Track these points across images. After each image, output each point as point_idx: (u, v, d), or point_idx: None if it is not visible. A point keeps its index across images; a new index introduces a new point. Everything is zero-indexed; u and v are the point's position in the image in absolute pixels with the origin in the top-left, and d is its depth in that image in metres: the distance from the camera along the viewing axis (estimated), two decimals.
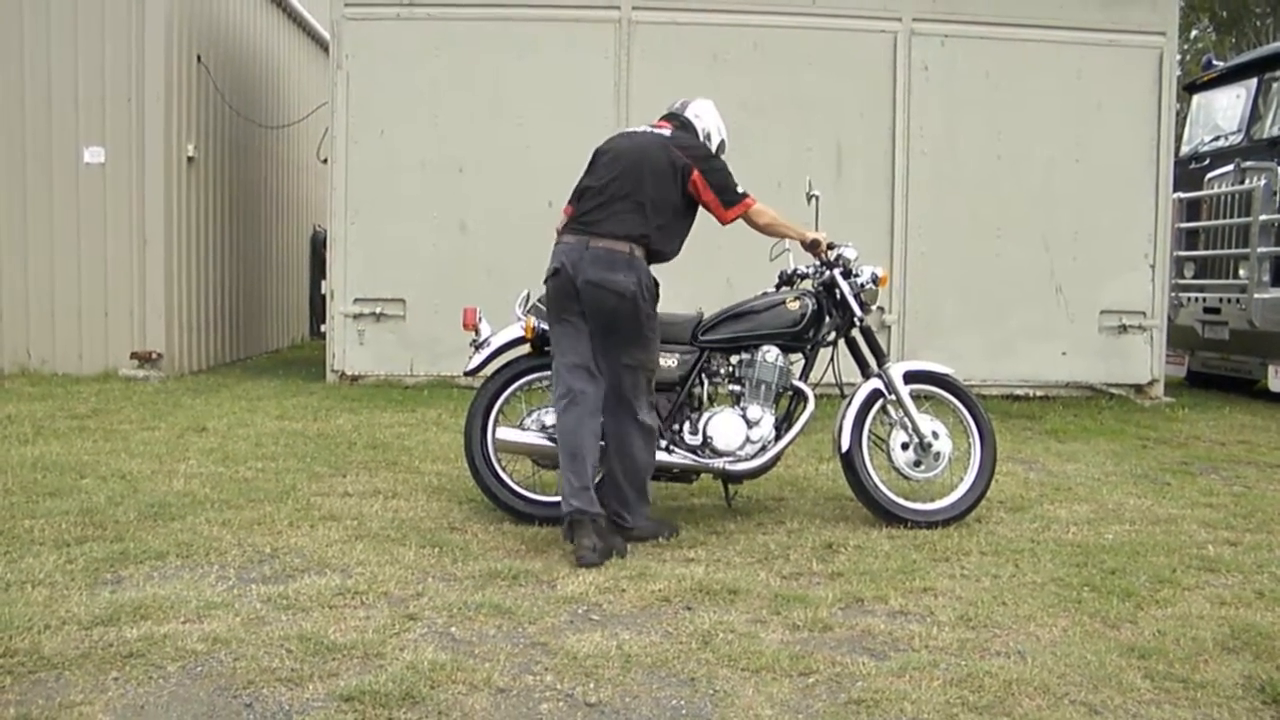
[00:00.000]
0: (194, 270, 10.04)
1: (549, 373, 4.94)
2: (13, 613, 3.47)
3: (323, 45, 12.67)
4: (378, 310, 9.23)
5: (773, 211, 4.82)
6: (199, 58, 10.11)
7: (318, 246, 13.27)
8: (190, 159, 9.87)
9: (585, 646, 3.41)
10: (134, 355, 9.36)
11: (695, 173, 4.64)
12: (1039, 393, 9.55)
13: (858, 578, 4.20)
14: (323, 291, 9.65)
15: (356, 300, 9.25)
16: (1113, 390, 9.62)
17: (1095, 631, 3.68)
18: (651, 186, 4.60)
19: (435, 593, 3.89)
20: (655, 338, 4.66)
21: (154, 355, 9.38)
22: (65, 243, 9.34)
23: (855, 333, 5.17)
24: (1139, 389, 9.68)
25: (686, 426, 4.94)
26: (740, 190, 4.73)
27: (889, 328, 9.36)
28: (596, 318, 4.54)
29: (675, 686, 3.16)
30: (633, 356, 4.57)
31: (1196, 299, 10.68)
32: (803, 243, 5.00)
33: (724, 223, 4.79)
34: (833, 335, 5.14)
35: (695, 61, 9.10)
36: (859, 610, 3.87)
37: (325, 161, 9.51)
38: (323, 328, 9.77)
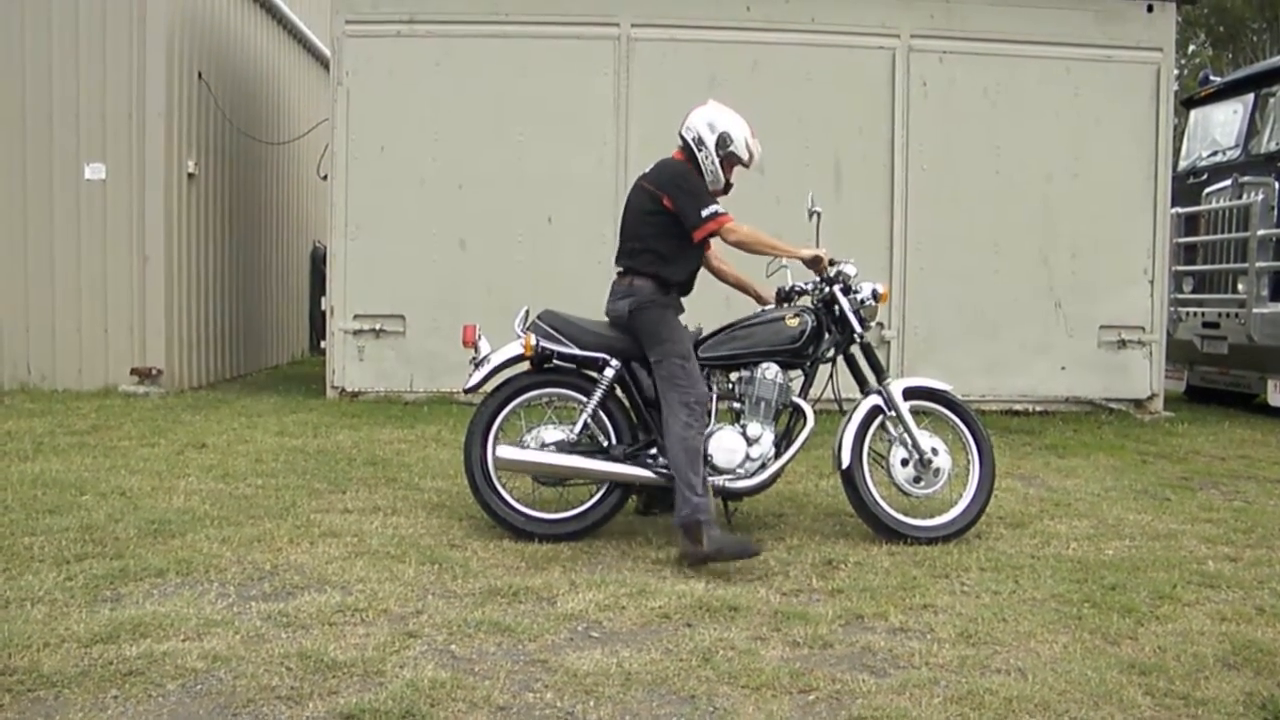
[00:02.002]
0: (194, 286, 10.06)
1: (549, 390, 4.99)
2: (12, 630, 3.47)
3: (323, 62, 12.73)
4: (377, 326, 9.24)
5: (748, 229, 4.85)
6: (200, 74, 10.15)
7: (318, 262, 13.31)
8: (191, 175, 9.90)
9: (585, 664, 3.41)
10: (134, 371, 9.37)
11: (665, 199, 4.81)
12: (1038, 408, 9.56)
13: (858, 594, 4.20)
14: (322, 308, 9.66)
15: (356, 316, 9.26)
16: (1112, 405, 9.62)
17: (1096, 648, 3.68)
18: (640, 225, 4.89)
19: (435, 610, 3.89)
20: (671, 331, 4.80)
21: (154, 371, 9.38)
22: (65, 259, 9.36)
23: (855, 349, 5.16)
24: (1138, 404, 9.69)
25: None
26: (707, 212, 4.75)
27: (888, 343, 9.36)
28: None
29: (675, 704, 3.16)
30: (656, 352, 4.78)
31: (1195, 314, 10.70)
32: (802, 260, 5.02)
33: (695, 243, 4.86)
34: (832, 352, 5.13)
35: (694, 79, 9.13)
36: (859, 627, 3.86)
37: (325, 178, 9.53)
38: (322, 344, 9.78)
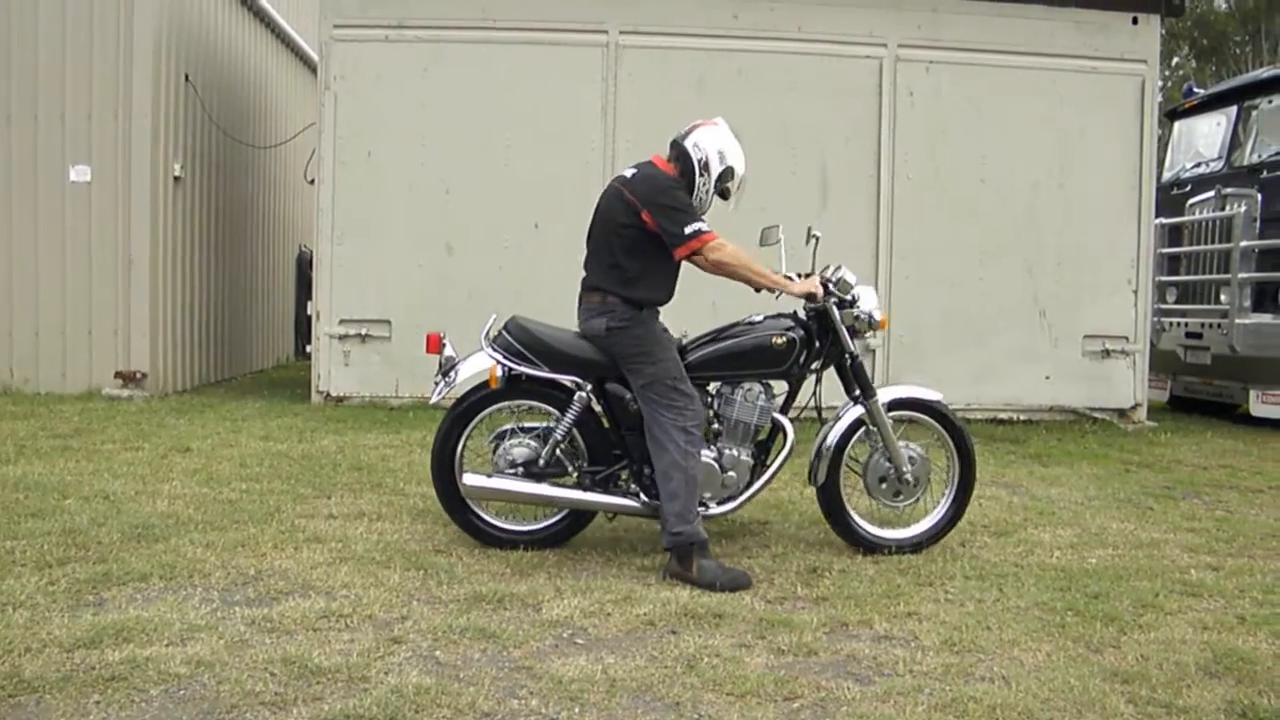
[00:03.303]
0: (179, 290, 10.02)
1: (517, 401, 4.86)
2: None
3: (311, 66, 12.70)
4: (363, 331, 9.23)
5: (733, 249, 4.58)
6: (187, 77, 10.12)
7: (304, 267, 13.28)
8: (177, 178, 9.87)
9: (570, 670, 3.40)
10: (118, 374, 9.33)
11: (644, 213, 4.53)
12: (1022, 416, 9.60)
13: (842, 602, 4.21)
14: (308, 312, 9.64)
15: (342, 321, 9.24)
16: (1096, 414, 9.67)
17: (1079, 656, 3.69)
18: (611, 236, 4.63)
19: (420, 616, 3.88)
20: (656, 349, 4.59)
21: (138, 375, 9.34)
22: (50, 261, 9.32)
23: (845, 363, 4.97)
24: (1122, 413, 9.74)
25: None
26: (690, 229, 4.48)
27: (873, 351, 9.39)
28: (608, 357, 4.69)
29: (660, 711, 3.16)
30: (644, 375, 4.58)
31: (1179, 324, 10.77)
32: (793, 296, 4.80)
33: (674, 262, 4.63)
34: (820, 363, 4.97)
35: (682, 86, 9.17)
36: (844, 634, 3.87)
37: (312, 182, 9.52)
38: (308, 348, 9.75)
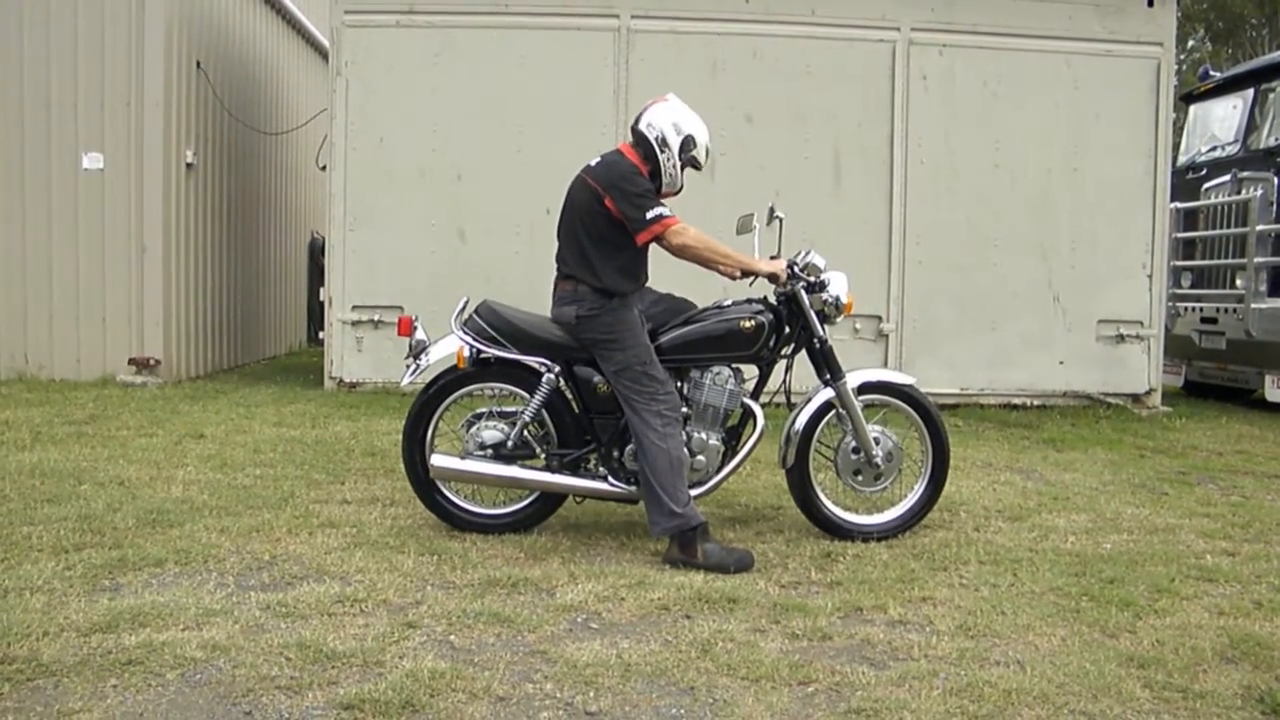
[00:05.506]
0: (192, 276, 10.04)
1: (488, 384, 4.88)
2: (11, 619, 3.47)
3: (322, 52, 12.70)
4: (376, 317, 9.23)
5: (696, 232, 4.58)
6: (198, 64, 10.12)
7: (316, 253, 13.29)
8: (189, 165, 9.88)
9: (585, 655, 3.41)
10: (132, 361, 9.36)
11: (607, 200, 4.54)
12: (1036, 402, 9.56)
13: (856, 587, 4.21)
14: (321, 298, 9.66)
15: (355, 307, 9.25)
16: (1110, 400, 9.63)
17: (1094, 641, 3.68)
18: (577, 223, 4.66)
19: (434, 601, 3.89)
20: (626, 336, 4.58)
21: (152, 361, 9.37)
22: (64, 248, 9.35)
23: (815, 347, 4.91)
24: (1136, 398, 9.70)
25: (628, 452, 4.72)
26: (652, 214, 4.48)
27: (886, 336, 9.37)
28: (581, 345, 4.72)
29: (675, 695, 3.16)
30: (615, 362, 4.59)
31: (1194, 309, 10.71)
32: (759, 274, 4.77)
33: (637, 247, 4.62)
34: (790, 348, 4.91)
35: (694, 70, 9.13)
36: (858, 619, 3.87)
37: (324, 168, 9.52)
38: (321, 335, 9.77)
